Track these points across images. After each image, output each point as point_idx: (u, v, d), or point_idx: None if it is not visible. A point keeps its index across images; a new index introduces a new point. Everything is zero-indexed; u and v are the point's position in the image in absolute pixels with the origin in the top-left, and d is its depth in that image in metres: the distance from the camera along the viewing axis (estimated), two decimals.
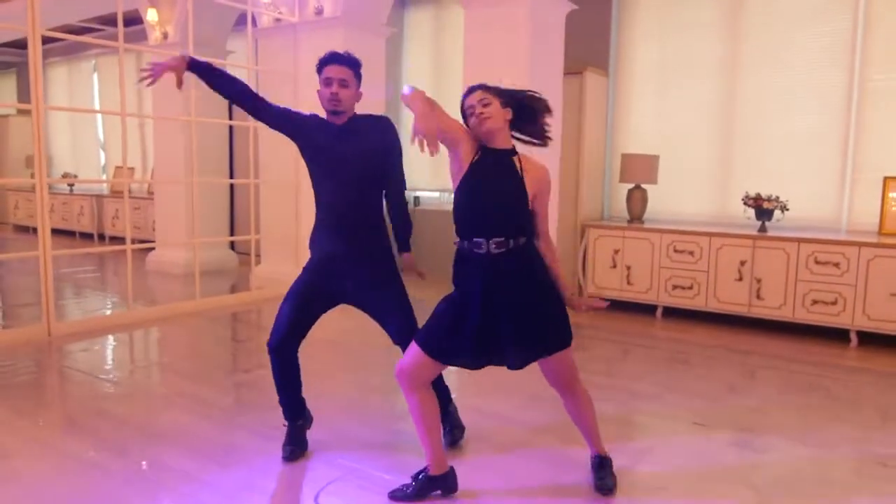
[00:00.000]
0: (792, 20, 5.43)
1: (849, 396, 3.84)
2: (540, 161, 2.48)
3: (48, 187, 5.23)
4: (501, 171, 2.38)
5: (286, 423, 2.89)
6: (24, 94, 12.59)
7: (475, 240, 2.35)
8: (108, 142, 11.50)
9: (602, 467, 2.59)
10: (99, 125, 11.63)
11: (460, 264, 2.42)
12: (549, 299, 2.42)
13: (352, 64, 2.67)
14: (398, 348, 2.65)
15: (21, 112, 11.93)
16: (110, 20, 9.90)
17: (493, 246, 2.32)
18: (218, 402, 3.60)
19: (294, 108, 2.78)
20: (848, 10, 5.20)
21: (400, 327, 2.67)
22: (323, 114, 2.73)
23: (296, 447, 2.85)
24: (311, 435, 2.98)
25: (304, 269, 2.79)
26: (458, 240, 2.42)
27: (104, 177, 11.33)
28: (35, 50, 4.68)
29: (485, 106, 2.36)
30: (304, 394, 2.90)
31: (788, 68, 5.46)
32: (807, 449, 3.02)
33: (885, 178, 5.02)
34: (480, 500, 2.51)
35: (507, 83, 2.53)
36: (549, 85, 5.23)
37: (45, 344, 4.67)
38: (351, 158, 2.65)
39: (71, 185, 11.04)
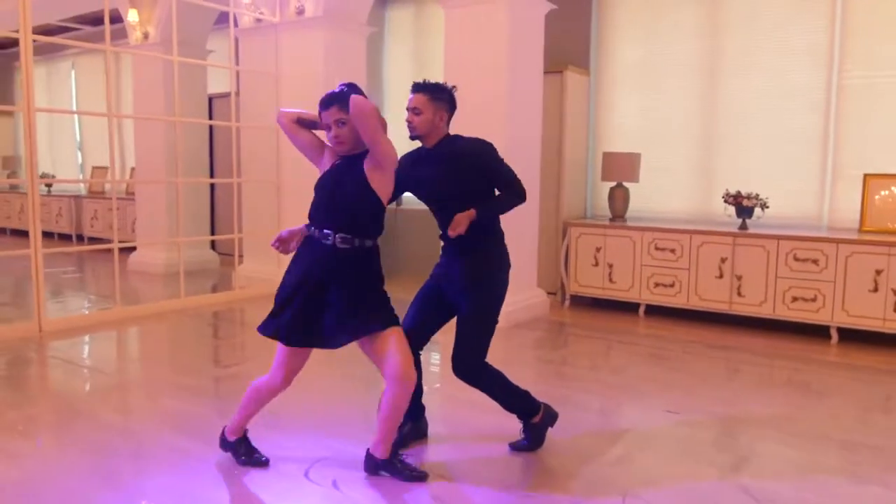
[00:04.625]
0: (771, 20, 5.47)
1: (822, 389, 3.90)
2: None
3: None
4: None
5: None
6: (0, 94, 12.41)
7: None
8: (86, 142, 11.37)
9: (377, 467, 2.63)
10: (76, 125, 11.48)
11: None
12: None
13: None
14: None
15: None
16: (88, 19, 9.77)
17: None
18: (206, 390, 3.79)
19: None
20: (826, 8, 5.25)
21: None
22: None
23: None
24: (299, 419, 3.18)
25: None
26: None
27: (81, 177, 11.19)
28: (27, 52, 4.68)
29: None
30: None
31: (768, 67, 5.50)
32: (772, 432, 3.14)
33: (866, 175, 5.07)
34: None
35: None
36: (529, 84, 5.25)
37: (36, 339, 4.74)
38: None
39: (49, 185, 10.88)
